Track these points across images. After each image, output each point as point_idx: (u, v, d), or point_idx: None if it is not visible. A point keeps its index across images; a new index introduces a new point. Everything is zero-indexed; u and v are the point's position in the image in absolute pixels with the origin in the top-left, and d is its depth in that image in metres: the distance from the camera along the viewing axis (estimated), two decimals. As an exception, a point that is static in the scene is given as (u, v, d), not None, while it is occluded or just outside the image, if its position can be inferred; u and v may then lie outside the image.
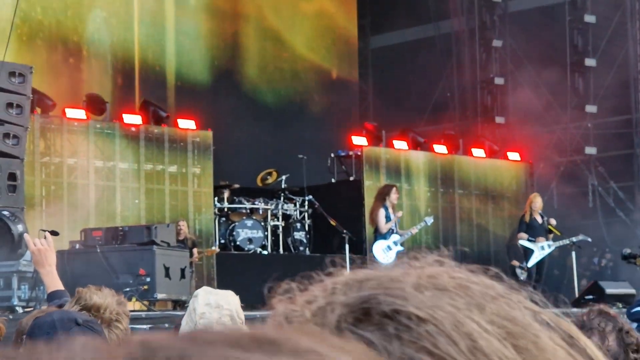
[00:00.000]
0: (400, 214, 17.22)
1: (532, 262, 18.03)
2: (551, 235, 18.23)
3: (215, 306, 4.51)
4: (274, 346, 0.61)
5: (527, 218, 18.21)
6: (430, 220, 17.80)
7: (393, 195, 17.06)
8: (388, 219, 16.87)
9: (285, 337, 0.63)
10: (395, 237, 16.92)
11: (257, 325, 0.73)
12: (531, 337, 0.70)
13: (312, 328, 0.71)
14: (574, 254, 18.64)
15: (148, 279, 14.43)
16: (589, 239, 18.67)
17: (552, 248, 18.20)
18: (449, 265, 0.77)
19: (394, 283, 0.73)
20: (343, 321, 0.74)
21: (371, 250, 17.25)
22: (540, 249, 18.01)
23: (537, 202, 18.30)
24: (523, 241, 18.16)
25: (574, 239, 18.29)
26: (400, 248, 16.77)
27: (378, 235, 16.97)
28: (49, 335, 3.64)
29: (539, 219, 18.17)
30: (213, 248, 18.46)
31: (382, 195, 17.21)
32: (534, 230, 18.13)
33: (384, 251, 16.85)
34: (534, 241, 18.01)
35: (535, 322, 0.71)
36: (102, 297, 4.36)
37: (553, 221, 18.33)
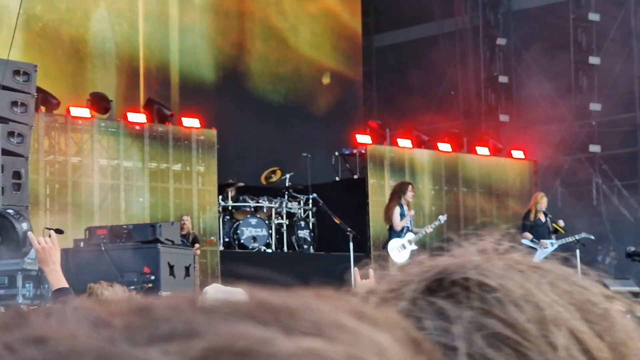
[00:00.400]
0: (412, 212, 17.17)
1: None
2: (554, 235, 18.22)
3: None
4: (292, 319, 0.57)
5: (531, 217, 18.21)
6: (444, 218, 17.73)
7: (409, 193, 17.00)
8: (403, 216, 16.83)
9: (305, 307, 0.59)
10: (410, 236, 16.85)
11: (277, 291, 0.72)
12: (601, 311, 0.72)
13: (338, 294, 0.66)
14: (578, 251, 18.62)
15: (152, 277, 14.43)
16: (592, 237, 18.66)
17: (555, 246, 18.19)
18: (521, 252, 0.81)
19: (467, 258, 0.77)
20: (417, 292, 0.76)
21: (384, 248, 17.10)
22: (543, 247, 18.01)
23: (543, 202, 18.30)
24: (526, 241, 18.15)
25: (577, 237, 18.28)
26: (414, 247, 16.69)
27: (393, 233, 16.88)
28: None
29: (543, 218, 18.17)
30: (212, 238, 18.49)
31: (397, 193, 17.14)
32: (538, 229, 18.12)
33: (398, 249, 16.77)
34: (538, 242, 18.01)
35: (606, 301, 0.74)
36: (114, 292, 4.39)
37: (561, 222, 18.29)
